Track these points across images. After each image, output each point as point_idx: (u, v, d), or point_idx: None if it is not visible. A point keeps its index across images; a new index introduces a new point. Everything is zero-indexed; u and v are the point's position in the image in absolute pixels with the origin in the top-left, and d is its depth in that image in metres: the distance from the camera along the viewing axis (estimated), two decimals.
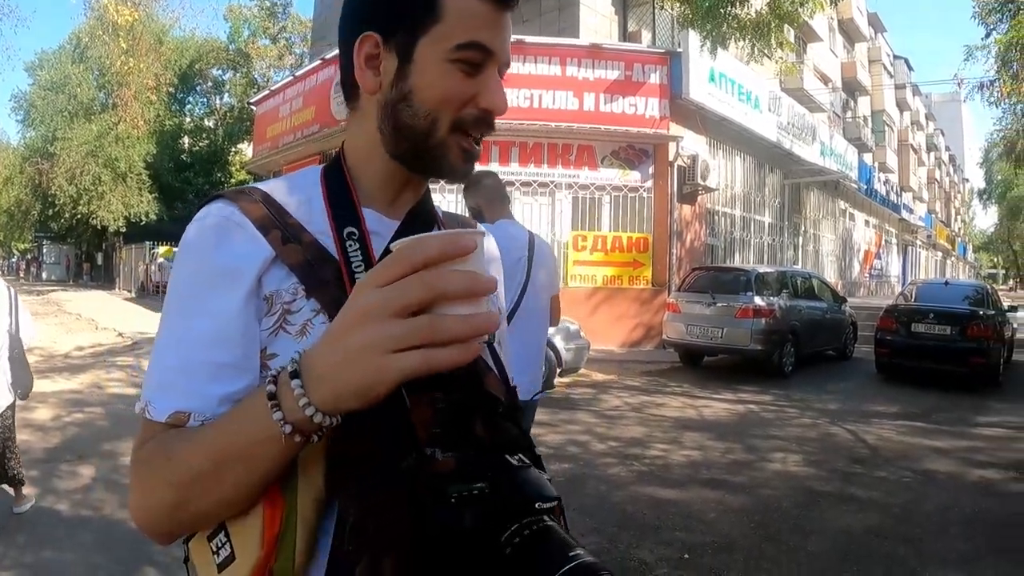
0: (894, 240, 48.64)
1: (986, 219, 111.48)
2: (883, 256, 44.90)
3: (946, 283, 18.64)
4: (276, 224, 1.11)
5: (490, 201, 4.40)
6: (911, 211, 50.97)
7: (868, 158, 41.34)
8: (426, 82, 1.11)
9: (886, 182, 44.07)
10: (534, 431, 8.63)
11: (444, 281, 0.85)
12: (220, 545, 1.03)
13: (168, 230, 38.09)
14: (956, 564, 5.72)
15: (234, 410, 1.01)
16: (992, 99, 22.80)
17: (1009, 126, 30.50)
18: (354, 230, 1.15)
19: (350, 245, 1.13)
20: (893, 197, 44.80)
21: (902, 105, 56.07)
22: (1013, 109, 27.05)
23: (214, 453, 0.97)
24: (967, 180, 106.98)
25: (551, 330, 11.12)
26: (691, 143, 19.53)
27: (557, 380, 12.05)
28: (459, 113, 1.14)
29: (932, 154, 71.72)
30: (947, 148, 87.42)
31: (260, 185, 1.19)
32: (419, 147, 1.15)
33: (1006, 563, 5.79)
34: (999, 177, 64.22)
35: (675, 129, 18.75)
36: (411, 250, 0.86)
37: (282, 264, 1.09)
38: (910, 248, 53.85)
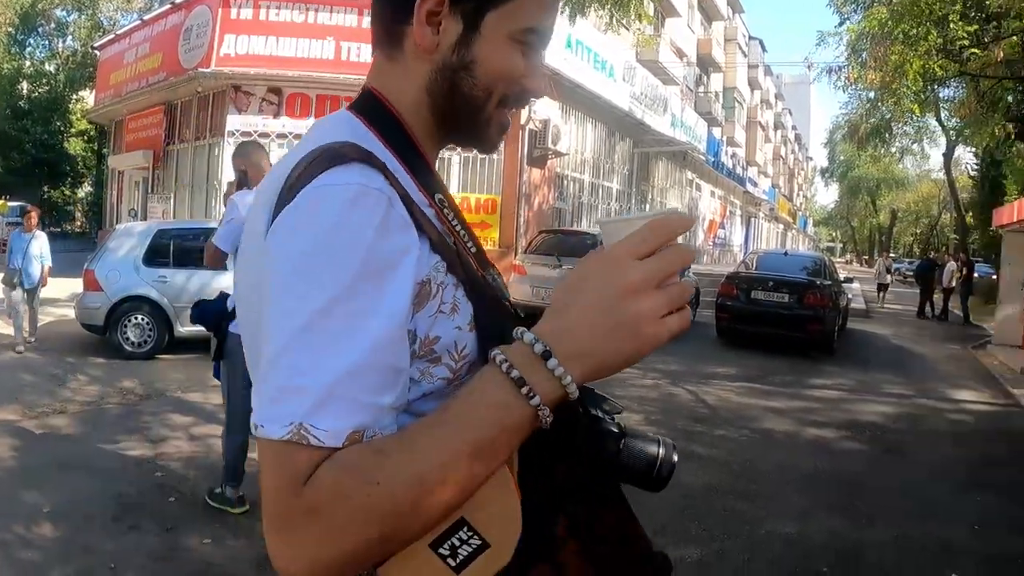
0: (738, 211, 50.60)
1: (827, 196, 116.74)
2: (727, 226, 46.58)
3: (785, 253, 19.37)
4: (403, 194, 0.99)
5: (257, 167, 4.99)
6: (756, 184, 52.90)
7: (717, 132, 42.67)
8: (491, 56, 1.08)
9: (733, 156, 45.60)
10: None
11: (688, 254, 0.95)
12: (461, 542, 0.91)
13: (4, 181, 36.14)
14: (793, 518, 6.06)
15: (458, 403, 0.92)
16: (840, 84, 23.78)
17: (854, 111, 31.79)
18: (442, 197, 1.12)
19: (448, 214, 1.11)
20: (739, 170, 46.41)
21: (753, 84, 57.96)
22: (859, 95, 28.30)
23: (453, 459, 0.88)
24: (811, 159, 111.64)
25: None
26: (543, 108, 19.78)
27: None
28: (509, 90, 1.12)
29: (779, 132, 74.49)
30: (794, 127, 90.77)
31: (338, 139, 1.02)
32: (470, 118, 1.12)
33: (839, 517, 6.18)
34: (841, 158, 66.86)
35: None
36: (664, 227, 0.93)
37: (424, 240, 0.99)
38: (753, 219, 56.12)
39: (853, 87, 24.36)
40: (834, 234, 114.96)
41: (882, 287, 29.95)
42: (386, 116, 1.10)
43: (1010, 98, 20.85)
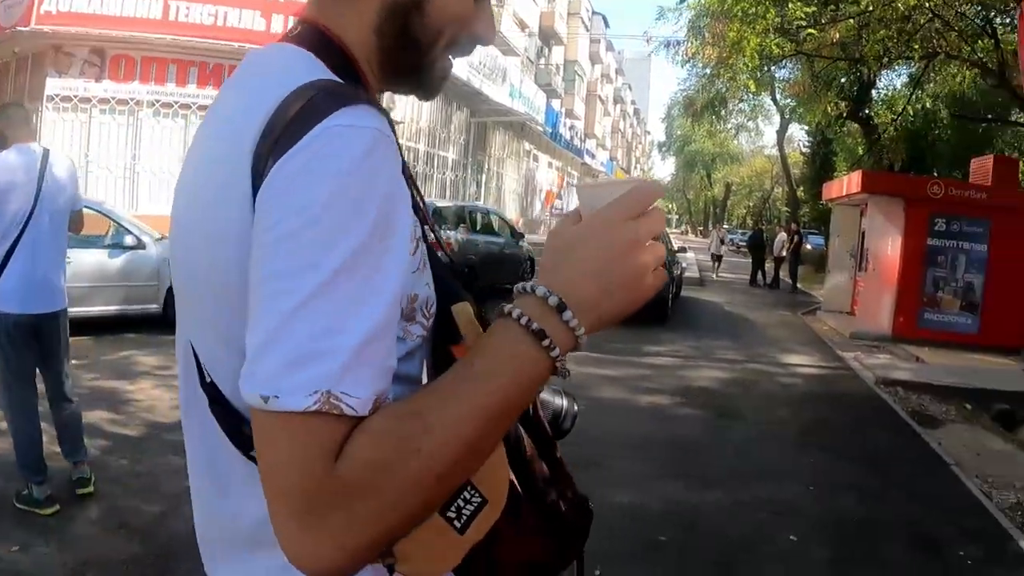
0: (575, 182, 50.87)
1: (664, 169, 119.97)
2: (564, 197, 46.85)
3: None
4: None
5: (15, 129, 4.83)
6: (594, 156, 53.79)
7: (557, 104, 42.81)
8: None
9: (572, 128, 45.96)
10: (114, 385, 8.08)
11: (664, 218, 0.99)
12: (465, 502, 0.91)
13: None
14: (629, 487, 6.02)
15: (482, 357, 0.88)
16: (678, 58, 24.10)
17: (692, 87, 32.46)
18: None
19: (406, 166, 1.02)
20: (577, 142, 46.89)
21: (595, 58, 58.58)
22: (697, 72, 28.86)
23: (489, 416, 0.85)
24: (649, 133, 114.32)
25: None
26: None
27: None
28: (458, 35, 1.08)
29: (619, 106, 75.83)
30: (633, 102, 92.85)
31: (315, 76, 0.93)
32: (416, 61, 1.07)
33: (675, 484, 6.15)
34: (678, 132, 68.75)
35: None
36: (649, 194, 0.95)
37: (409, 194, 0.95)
38: None
39: (691, 62, 24.77)
40: (670, 206, 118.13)
41: (716, 257, 30.77)
42: (338, 55, 1.01)
43: (843, 79, 21.52)
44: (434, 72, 1.10)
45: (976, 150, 22.93)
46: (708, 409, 8.72)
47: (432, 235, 1.09)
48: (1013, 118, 24.04)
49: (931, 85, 22.99)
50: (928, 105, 25.96)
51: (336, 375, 0.78)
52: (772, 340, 14.76)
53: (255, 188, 0.85)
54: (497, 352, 0.88)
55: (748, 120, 48.94)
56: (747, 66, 18.05)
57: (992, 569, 5.22)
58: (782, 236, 27.72)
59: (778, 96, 36.51)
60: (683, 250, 19.31)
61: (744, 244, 39.93)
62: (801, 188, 42.11)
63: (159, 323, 10.59)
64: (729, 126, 48.24)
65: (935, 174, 23.62)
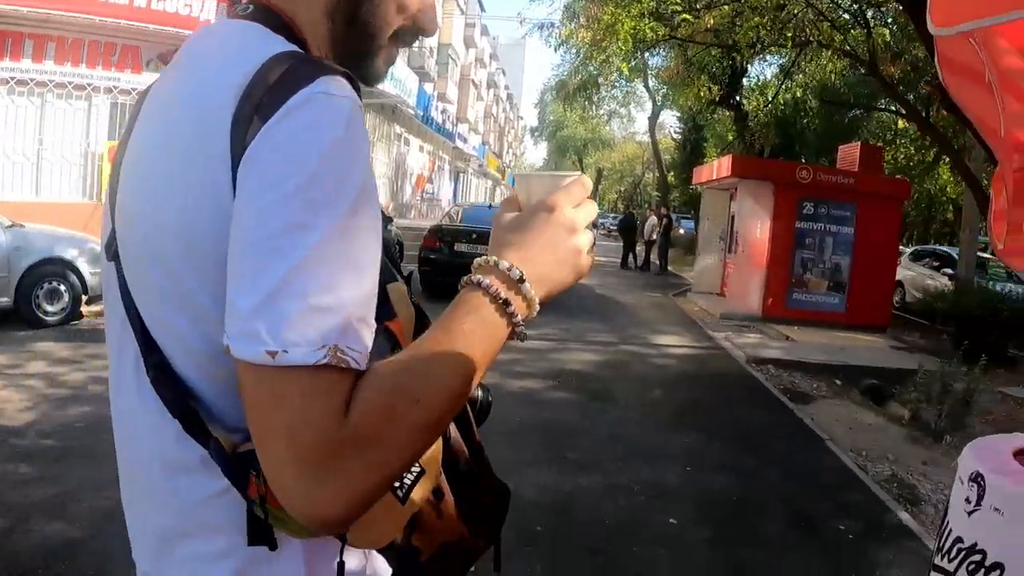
0: (447, 167, 50.83)
1: (536, 154, 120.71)
2: (435, 181, 46.58)
3: (490, 206, 19.42)
4: None
5: None
6: (466, 140, 53.41)
7: (429, 87, 42.31)
8: None
9: (444, 112, 45.52)
10: (54, 368, 7.79)
11: (595, 207, 1.11)
12: (407, 472, 0.99)
13: None
14: (503, 474, 5.57)
15: (456, 321, 0.95)
16: (552, 40, 24.02)
17: (566, 72, 32.51)
18: None
19: None
20: (449, 126, 46.45)
21: (469, 42, 58.19)
22: (570, 55, 28.86)
23: (469, 373, 0.93)
24: (522, 118, 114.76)
25: (73, 252, 9.93)
26: None
27: (86, 308, 10.77)
28: (406, 23, 1.12)
29: (492, 91, 75.61)
30: (507, 87, 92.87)
31: (283, 49, 0.95)
32: (364, 47, 1.11)
33: (549, 470, 5.99)
34: (551, 118, 69.09)
35: None
36: (587, 186, 1.09)
37: None
38: (462, 175, 56.95)
39: (564, 45, 24.75)
40: None
41: None
42: (289, 35, 1.02)
43: (715, 68, 21.81)
44: (380, 59, 1.13)
45: (842, 138, 23.69)
46: (581, 392, 8.59)
47: None
48: (883, 106, 24.79)
49: (800, 76, 23.53)
50: (798, 94, 26.70)
51: (340, 330, 0.82)
52: (644, 322, 14.84)
53: (234, 152, 0.86)
54: (473, 317, 0.95)
55: (621, 106, 49.60)
56: (621, 49, 18.05)
57: (872, 542, 5.22)
58: (652, 220, 28.03)
59: (651, 83, 36.94)
60: None
61: (615, 228, 40.32)
62: (671, 173, 43.02)
63: (10, 318, 9.84)
64: (602, 112, 48.67)
65: (803, 160, 24.24)
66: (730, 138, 29.78)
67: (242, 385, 0.84)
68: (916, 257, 21.98)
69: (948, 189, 30.73)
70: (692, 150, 38.37)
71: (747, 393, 9.44)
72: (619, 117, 55.80)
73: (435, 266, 15.23)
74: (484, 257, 1.01)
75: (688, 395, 9.01)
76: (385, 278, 1.00)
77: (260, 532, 0.95)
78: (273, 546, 0.97)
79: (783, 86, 23.38)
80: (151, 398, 0.98)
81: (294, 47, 0.96)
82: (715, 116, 30.59)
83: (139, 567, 1.11)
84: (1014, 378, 12.24)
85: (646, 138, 52.19)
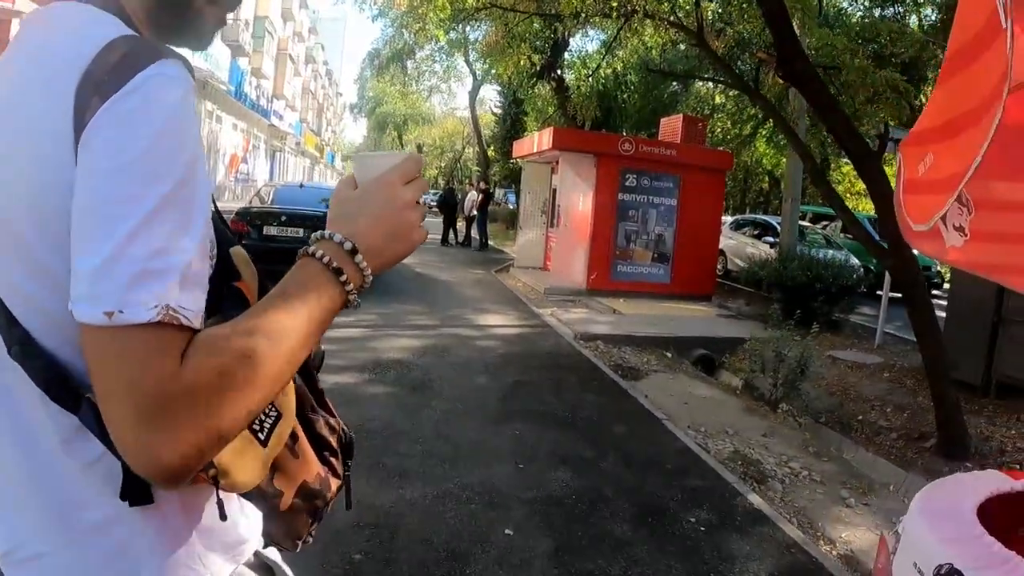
0: (263, 145, 49.02)
1: (355, 131, 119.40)
2: (250, 160, 44.75)
3: (301, 186, 18.31)
4: None
5: None
6: (282, 118, 51.76)
7: (243, 62, 40.53)
8: None
9: (258, 87, 43.81)
10: None
11: (426, 183, 1.22)
12: (265, 415, 1.10)
13: None
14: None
15: (292, 288, 1.02)
16: (368, 9, 23.18)
17: (382, 43, 31.70)
18: None
19: None
20: (264, 103, 44.82)
21: (287, 15, 56.17)
22: (388, 24, 28.03)
23: (304, 335, 1.00)
24: (341, 94, 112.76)
25: None
26: None
27: None
28: None
29: (311, 66, 73.75)
30: (326, 63, 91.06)
31: (119, 32, 0.99)
32: (180, 13, 1.14)
33: (367, 480, 5.09)
34: (370, 94, 67.84)
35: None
36: (419, 163, 1.18)
37: None
38: (279, 154, 55.09)
39: (382, 15, 24.03)
40: None
41: None
42: (116, 11, 1.06)
43: (537, 41, 21.46)
44: (203, 23, 1.17)
45: (662, 112, 23.89)
46: (401, 385, 7.73)
47: None
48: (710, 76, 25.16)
49: (623, 51, 23.50)
50: (619, 68, 26.69)
51: (173, 291, 0.88)
52: (466, 301, 14.14)
53: (76, 127, 0.90)
54: (305, 283, 1.03)
55: (442, 82, 48.95)
56: (437, 16, 17.41)
57: (726, 534, 4.79)
58: (472, 195, 27.52)
59: (471, 57, 36.47)
60: None
61: (435, 204, 39.82)
62: (492, 147, 42.79)
63: None
64: (422, 87, 47.99)
65: (623, 133, 24.21)
66: (551, 111, 29.62)
67: (84, 347, 0.88)
68: (737, 226, 22.29)
69: (764, 161, 31.73)
70: (513, 124, 38.21)
71: (577, 373, 8.89)
72: (440, 92, 55.23)
73: (245, 250, 13.99)
74: (320, 231, 1.10)
75: (516, 379, 8.31)
76: (225, 243, 1.15)
77: (137, 490, 1.00)
78: (150, 500, 1.02)
79: (604, 60, 23.26)
80: (9, 375, 1.00)
81: (130, 31, 0.99)
82: (536, 90, 30.42)
83: (23, 551, 1.07)
84: (840, 342, 12.48)
85: (467, 113, 51.70)
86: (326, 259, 1.04)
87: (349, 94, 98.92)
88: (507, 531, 4.55)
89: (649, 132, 24.34)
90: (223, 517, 1.06)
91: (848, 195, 38.17)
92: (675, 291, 15.44)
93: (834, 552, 4.95)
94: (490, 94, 49.36)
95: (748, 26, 14.82)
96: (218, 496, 1.05)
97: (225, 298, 1.08)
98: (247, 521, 1.22)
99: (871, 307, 15.82)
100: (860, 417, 8.85)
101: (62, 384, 0.97)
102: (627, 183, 15.57)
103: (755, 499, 5.35)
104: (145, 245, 0.86)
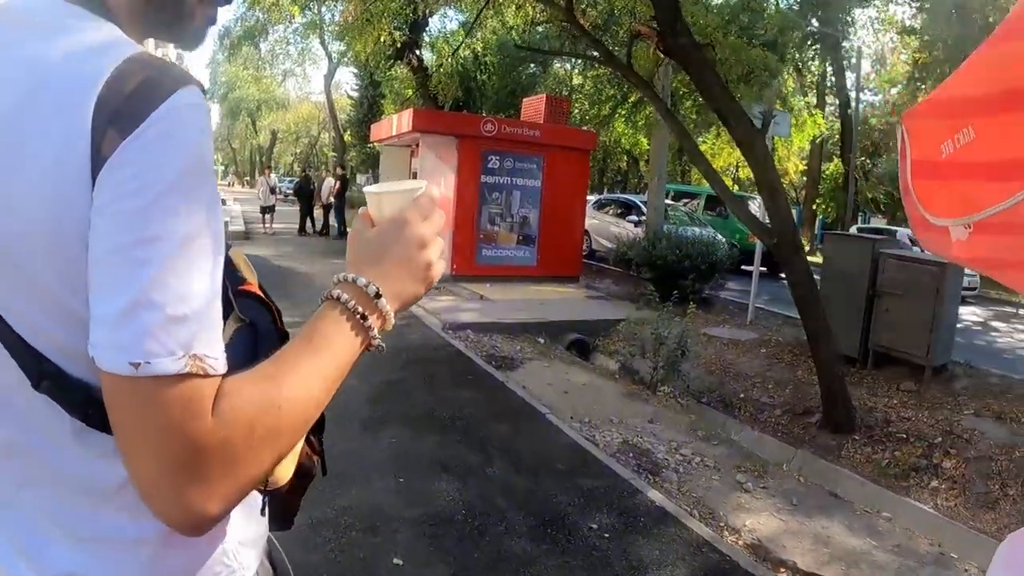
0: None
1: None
2: None
3: None
4: None
5: None
6: None
7: None
8: None
9: None
10: None
11: (443, 218, 1.16)
12: None
13: None
14: None
15: (318, 335, 1.00)
16: None
17: (236, 24, 30.51)
18: None
19: None
20: None
21: None
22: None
23: (327, 381, 0.99)
24: None
25: None
26: None
27: None
28: None
29: (160, 51, 71.05)
30: (176, 47, 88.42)
31: (123, 43, 0.93)
32: (173, 10, 1.09)
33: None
34: (223, 79, 66.03)
35: None
36: (434, 199, 1.14)
37: None
38: None
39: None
40: (216, 156, 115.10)
41: (266, 209, 27.33)
42: (98, 5, 0.99)
43: (396, 19, 20.90)
44: (194, 21, 1.11)
45: (520, 94, 23.64)
46: None
47: None
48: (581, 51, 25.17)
49: (483, 32, 23.17)
50: (479, 49, 26.47)
51: (197, 338, 0.84)
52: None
53: (93, 163, 0.84)
54: (332, 329, 1.02)
55: (296, 65, 47.87)
56: None
57: (633, 537, 4.46)
58: (329, 181, 26.53)
59: (327, 39, 35.61)
60: (223, 202, 17.57)
61: (291, 191, 38.72)
62: (348, 132, 42.15)
63: None
64: (276, 72, 46.76)
65: (484, 115, 23.91)
66: (409, 94, 29.13)
67: (107, 394, 0.85)
68: (600, 206, 22.22)
69: (623, 140, 31.91)
70: (370, 107, 37.82)
71: (450, 367, 8.39)
72: (294, 76, 54.04)
73: None
74: (343, 273, 1.08)
75: (386, 378, 7.65)
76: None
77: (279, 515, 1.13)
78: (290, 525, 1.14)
79: (467, 38, 22.88)
80: (38, 409, 0.94)
81: (135, 45, 0.93)
82: (393, 71, 29.84)
83: (52, 568, 1.00)
84: (713, 319, 12.47)
85: (322, 98, 50.77)
86: (351, 304, 1.03)
87: (201, 79, 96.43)
88: (395, 560, 4.04)
89: (508, 114, 24.13)
90: (264, 513, 1.17)
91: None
92: (542, 273, 15.25)
93: (740, 542, 4.74)
94: (346, 77, 48.72)
95: (619, 1, 14.60)
96: (264, 496, 1.14)
97: (236, 301, 1.11)
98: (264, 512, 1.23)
99: (736, 283, 15.98)
100: (742, 395, 8.76)
101: (99, 408, 0.89)
102: (490, 165, 15.22)
103: (655, 495, 5.05)
104: (169, 291, 0.83)
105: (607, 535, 4.41)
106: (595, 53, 10.84)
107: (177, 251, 0.83)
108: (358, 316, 1.02)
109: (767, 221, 8.02)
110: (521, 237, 15.53)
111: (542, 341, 10.05)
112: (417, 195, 1.13)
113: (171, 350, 0.82)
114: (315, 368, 0.96)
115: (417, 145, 17.05)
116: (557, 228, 15.55)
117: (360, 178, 36.31)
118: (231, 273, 1.10)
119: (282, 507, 1.29)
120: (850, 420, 7.59)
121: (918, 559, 5.03)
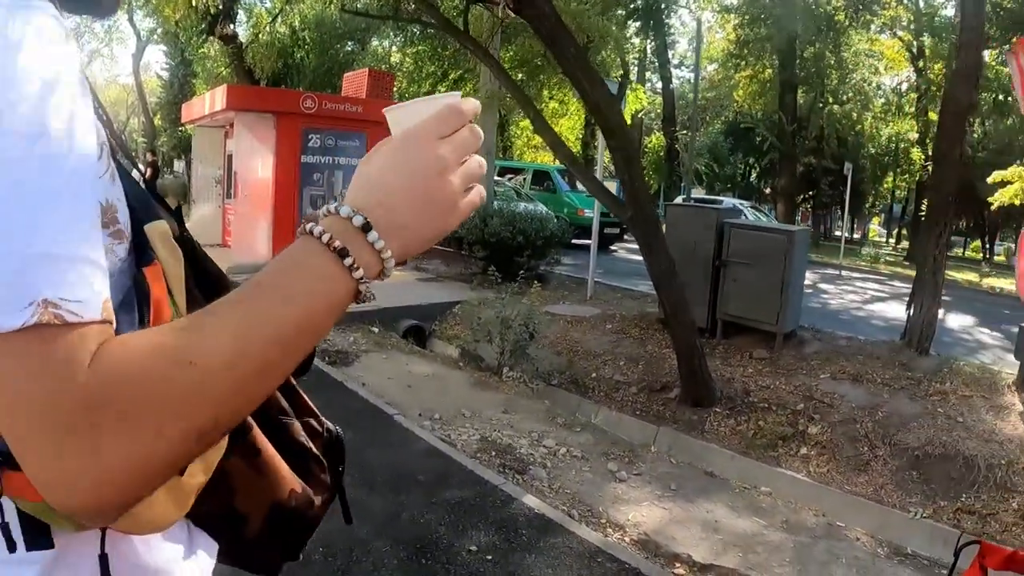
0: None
1: None
2: None
3: None
4: None
5: None
6: None
7: None
8: None
9: None
10: None
11: (480, 134, 0.88)
12: None
13: None
14: None
15: (273, 276, 0.76)
16: None
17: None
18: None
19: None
20: None
21: None
22: None
23: (277, 335, 0.73)
24: None
25: None
26: None
27: None
28: None
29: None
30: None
31: None
32: None
33: None
34: None
35: None
36: (461, 109, 0.85)
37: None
38: None
39: None
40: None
41: None
42: None
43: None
44: None
45: (338, 71, 23.21)
46: None
47: (120, 153, 0.92)
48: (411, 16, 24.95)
49: (301, 5, 22.37)
50: (296, 24, 26.13)
51: (49, 279, 0.66)
52: None
53: None
54: (294, 270, 0.78)
55: (104, 45, 45.64)
56: None
57: (519, 556, 3.99)
58: (139, 167, 25.41)
59: (136, 18, 34.45)
60: None
61: None
62: (158, 115, 40.62)
63: None
64: (81, 53, 44.49)
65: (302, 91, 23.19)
66: (223, 71, 28.04)
67: None
68: None
69: None
70: (181, 88, 36.51)
71: None
72: (101, 57, 51.48)
73: None
74: (327, 205, 0.83)
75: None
76: (140, 217, 0.84)
77: (34, 533, 0.80)
78: (50, 545, 0.80)
79: (279, 16, 21.97)
80: None
81: None
82: (205, 49, 28.63)
83: None
84: (551, 295, 12.18)
85: (130, 79, 48.60)
86: (325, 236, 0.76)
87: None
88: None
89: (326, 92, 23.48)
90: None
91: (527, 148, 39.12)
92: None
93: (627, 539, 4.44)
94: (156, 56, 46.91)
95: None
96: (102, 548, 0.81)
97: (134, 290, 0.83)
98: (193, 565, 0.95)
99: (569, 257, 15.80)
100: (594, 374, 8.45)
101: None
102: (310, 144, 14.49)
103: (531, 500, 4.62)
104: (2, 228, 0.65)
105: (489, 557, 3.90)
106: (430, 19, 10.28)
107: (8, 173, 0.65)
108: (335, 252, 0.76)
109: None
110: None
111: (376, 330, 9.51)
112: (440, 104, 0.84)
113: (10, 299, 0.63)
114: (261, 317, 0.71)
115: (232, 125, 16.09)
116: None
117: (178, 165, 34.91)
118: (140, 250, 0.83)
119: (255, 555, 1.04)
120: (710, 393, 7.39)
121: (809, 533, 4.92)
